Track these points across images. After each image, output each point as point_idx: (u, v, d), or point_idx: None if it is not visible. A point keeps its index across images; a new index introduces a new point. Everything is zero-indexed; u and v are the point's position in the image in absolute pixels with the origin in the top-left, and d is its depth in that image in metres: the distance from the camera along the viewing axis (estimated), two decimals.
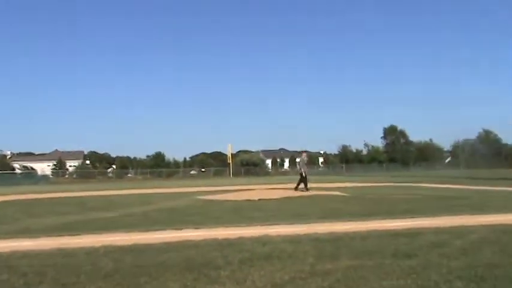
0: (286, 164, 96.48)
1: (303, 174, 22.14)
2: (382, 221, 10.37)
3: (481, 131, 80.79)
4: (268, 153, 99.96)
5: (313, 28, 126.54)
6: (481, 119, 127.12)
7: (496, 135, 78.08)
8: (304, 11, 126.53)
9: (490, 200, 15.57)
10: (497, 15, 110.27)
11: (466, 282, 4.99)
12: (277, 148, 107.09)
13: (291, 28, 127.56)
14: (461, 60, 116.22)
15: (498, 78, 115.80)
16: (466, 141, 75.32)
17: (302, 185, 21.90)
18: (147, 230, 9.62)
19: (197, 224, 10.46)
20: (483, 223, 9.59)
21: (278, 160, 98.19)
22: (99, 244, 7.72)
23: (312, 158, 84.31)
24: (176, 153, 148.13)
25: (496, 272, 5.46)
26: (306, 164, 23.29)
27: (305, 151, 24.70)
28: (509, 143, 59.82)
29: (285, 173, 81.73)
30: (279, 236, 8.35)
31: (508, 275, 5.34)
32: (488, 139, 76.11)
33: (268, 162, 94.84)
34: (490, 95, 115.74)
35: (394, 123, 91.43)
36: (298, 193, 20.43)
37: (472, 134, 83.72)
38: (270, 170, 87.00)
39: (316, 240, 7.84)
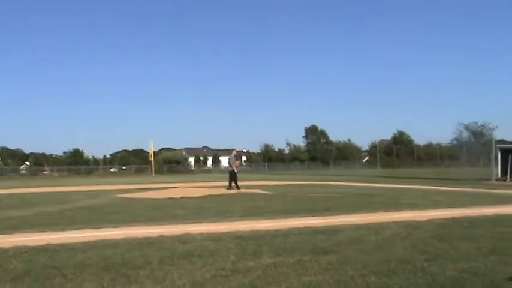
0: (210, 162, 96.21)
1: (234, 172, 22.21)
2: (303, 218, 10.61)
3: (395, 131, 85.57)
4: (191, 151, 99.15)
5: (237, 29, 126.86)
6: (396, 121, 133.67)
7: (409, 136, 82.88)
8: (220, 11, 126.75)
9: (402, 197, 16.42)
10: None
11: (379, 277, 5.21)
12: (201, 146, 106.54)
13: (213, 28, 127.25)
14: (380, 62, 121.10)
15: (410, 83, 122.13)
16: (381, 142, 78.96)
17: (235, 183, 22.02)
18: (62, 230, 9.22)
19: (116, 223, 10.16)
20: (396, 220, 10.09)
21: (201, 158, 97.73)
22: (9, 245, 7.29)
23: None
24: (95, 150, 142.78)
25: (407, 266, 5.75)
26: (236, 161, 23.37)
27: (234, 149, 24.74)
28: (420, 144, 63.43)
29: (208, 171, 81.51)
30: (201, 234, 8.30)
31: (418, 268, 5.64)
32: (402, 140, 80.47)
33: (191, 160, 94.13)
34: (406, 98, 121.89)
35: (315, 123, 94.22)
36: (223, 191, 20.45)
37: (387, 134, 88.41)
38: (193, 168, 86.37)
39: (238, 238, 7.87)
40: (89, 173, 75.17)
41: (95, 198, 18.46)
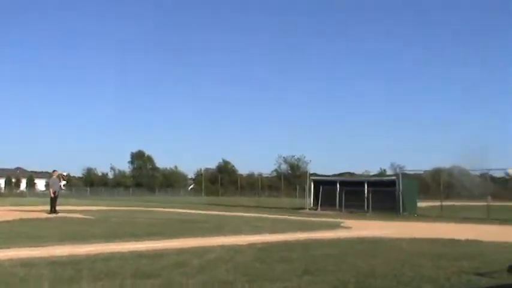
0: (23, 185, 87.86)
1: (54, 195, 20.72)
2: (126, 243, 10.26)
3: (220, 161, 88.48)
4: (2, 172, 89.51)
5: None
6: (221, 150, 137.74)
7: (233, 165, 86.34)
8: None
9: (226, 223, 16.90)
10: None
11: None
12: (14, 167, 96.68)
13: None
14: (206, 92, 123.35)
15: (234, 114, 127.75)
16: (207, 170, 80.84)
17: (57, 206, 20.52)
18: None
19: None
20: (220, 243, 10.33)
21: (14, 180, 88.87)
22: None
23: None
24: None
25: (229, 287, 5.92)
26: (57, 184, 21.78)
27: (56, 170, 22.93)
28: (243, 174, 66.46)
29: (22, 194, 74.30)
30: (10, 260, 7.50)
31: None
32: (226, 169, 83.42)
33: (1, 182, 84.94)
34: (231, 128, 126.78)
35: (143, 149, 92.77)
36: (38, 215, 18.92)
37: (213, 163, 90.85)
38: (2, 191, 77.88)
39: (53, 263, 7.29)
40: None
41: None
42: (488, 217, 21.63)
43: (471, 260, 8.43)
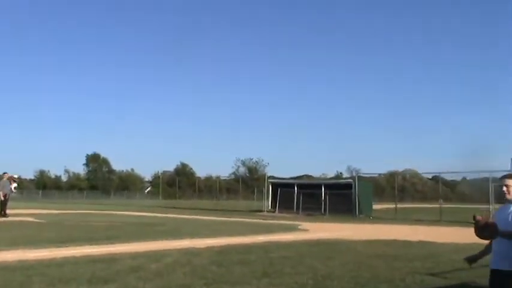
0: None
1: (5, 198, 20.05)
2: (80, 247, 9.98)
3: (178, 163, 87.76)
4: None
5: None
6: (179, 153, 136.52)
7: (191, 168, 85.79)
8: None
9: (183, 226, 16.74)
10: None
11: None
12: None
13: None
14: (161, 95, 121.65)
15: (190, 116, 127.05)
16: (164, 173, 79.95)
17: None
18: None
19: None
20: (177, 247, 10.22)
21: None
22: None
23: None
24: None
25: None
26: (8, 186, 21.05)
27: (7, 173, 22.08)
28: (201, 176, 66.04)
29: None
30: None
31: None
32: (184, 172, 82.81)
33: None
34: (189, 130, 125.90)
35: (98, 151, 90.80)
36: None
37: (170, 166, 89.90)
38: None
39: (3, 269, 7.03)
40: None
41: None
42: (440, 219, 22.28)
43: (424, 261, 8.66)
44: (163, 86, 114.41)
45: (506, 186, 3.64)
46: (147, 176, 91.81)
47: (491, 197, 22.75)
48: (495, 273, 3.60)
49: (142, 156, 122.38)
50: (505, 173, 3.85)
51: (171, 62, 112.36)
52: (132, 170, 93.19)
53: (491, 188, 23.03)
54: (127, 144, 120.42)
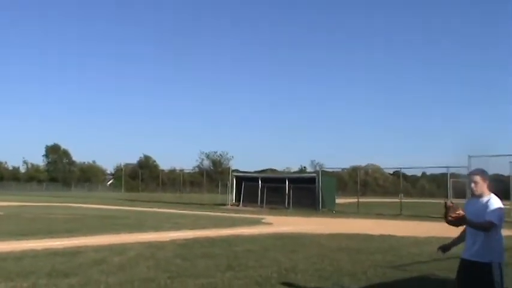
0: None
1: None
2: (40, 240, 9.76)
3: (141, 156, 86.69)
4: None
5: None
6: (142, 145, 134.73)
7: (154, 161, 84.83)
8: None
9: (146, 220, 16.57)
10: None
11: None
12: None
13: None
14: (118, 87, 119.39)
15: (154, 110, 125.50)
16: (127, 165, 78.81)
17: None
18: None
19: None
20: (140, 240, 10.10)
21: None
22: None
23: None
24: None
25: (151, 285, 5.80)
26: None
27: None
28: (165, 169, 65.29)
29: None
30: None
31: (161, 286, 5.73)
32: (147, 164, 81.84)
33: None
34: (153, 123, 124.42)
35: (58, 142, 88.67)
36: None
37: (133, 158, 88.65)
38: None
39: None
40: None
41: None
42: (400, 213, 22.78)
43: (385, 254, 8.84)
44: (125, 78, 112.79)
45: (475, 182, 3.79)
46: (109, 168, 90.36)
47: (450, 192, 23.49)
48: (465, 264, 3.73)
49: (104, 148, 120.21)
50: (471, 170, 3.99)
51: (116, 53, 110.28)
52: (94, 162, 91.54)
53: (450, 183, 23.78)
54: (88, 135, 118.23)
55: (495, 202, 3.71)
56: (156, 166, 78.46)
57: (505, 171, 23.10)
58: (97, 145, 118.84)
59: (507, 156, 22.87)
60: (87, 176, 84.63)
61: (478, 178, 3.79)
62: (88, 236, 10.94)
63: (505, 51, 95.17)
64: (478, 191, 3.79)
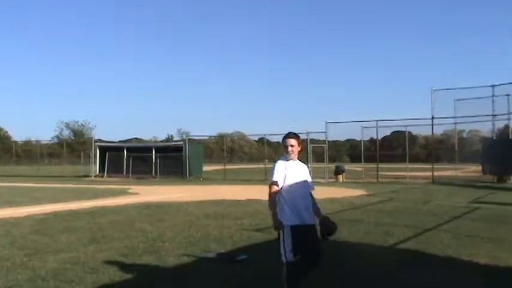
0: None
1: None
2: None
3: None
4: None
5: None
6: None
7: (6, 132, 77.96)
8: None
9: None
10: None
11: None
12: None
13: None
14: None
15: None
16: None
17: None
18: None
19: None
20: None
21: None
22: None
23: None
24: None
25: (6, 264, 5.38)
26: None
27: None
28: (19, 141, 60.30)
29: None
30: None
31: (17, 265, 5.34)
32: None
33: None
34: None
35: None
36: None
37: None
38: None
39: None
40: None
41: None
42: (265, 178, 23.69)
43: (251, 218, 9.15)
44: None
45: (292, 146, 3.97)
46: None
47: (310, 156, 25.04)
48: (301, 228, 3.94)
49: None
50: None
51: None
52: None
53: (310, 148, 25.33)
54: None
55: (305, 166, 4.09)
56: (8, 137, 72.25)
57: (357, 136, 25.52)
58: None
59: (359, 122, 25.62)
60: None
61: (293, 141, 4.00)
62: None
63: None
64: (294, 154, 4.00)
